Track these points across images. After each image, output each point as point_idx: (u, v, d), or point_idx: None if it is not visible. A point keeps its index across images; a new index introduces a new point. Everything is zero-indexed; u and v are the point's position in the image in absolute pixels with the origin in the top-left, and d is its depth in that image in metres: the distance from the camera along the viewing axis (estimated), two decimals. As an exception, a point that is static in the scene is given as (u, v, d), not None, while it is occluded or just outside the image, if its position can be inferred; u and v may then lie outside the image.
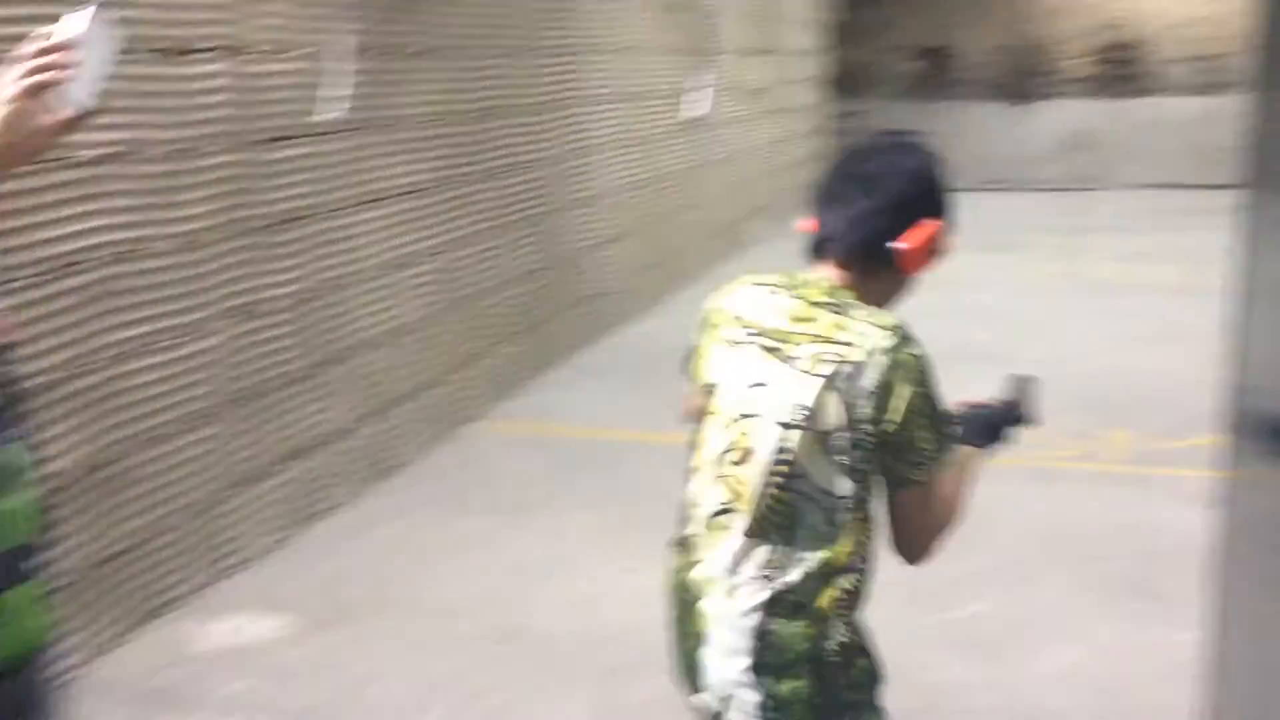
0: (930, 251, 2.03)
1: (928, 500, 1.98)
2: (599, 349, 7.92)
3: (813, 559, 1.94)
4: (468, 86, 6.17)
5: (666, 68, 9.28)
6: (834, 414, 1.90)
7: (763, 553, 1.96)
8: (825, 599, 1.95)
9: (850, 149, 2.14)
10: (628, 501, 5.26)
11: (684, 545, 2.11)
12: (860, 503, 1.96)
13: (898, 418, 1.90)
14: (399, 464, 5.63)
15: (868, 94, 18.89)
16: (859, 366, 1.89)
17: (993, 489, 3.04)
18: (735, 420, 2.00)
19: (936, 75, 18.92)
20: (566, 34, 7.40)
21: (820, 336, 1.94)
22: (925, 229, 2.01)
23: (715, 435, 2.03)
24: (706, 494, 2.04)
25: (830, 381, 1.90)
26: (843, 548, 1.96)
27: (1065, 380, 6.79)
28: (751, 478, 1.96)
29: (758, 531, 1.96)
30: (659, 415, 6.55)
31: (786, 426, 1.93)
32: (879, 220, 2.00)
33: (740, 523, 1.98)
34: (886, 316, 1.97)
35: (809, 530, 1.95)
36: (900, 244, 1.99)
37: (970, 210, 12.04)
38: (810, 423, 1.91)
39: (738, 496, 1.98)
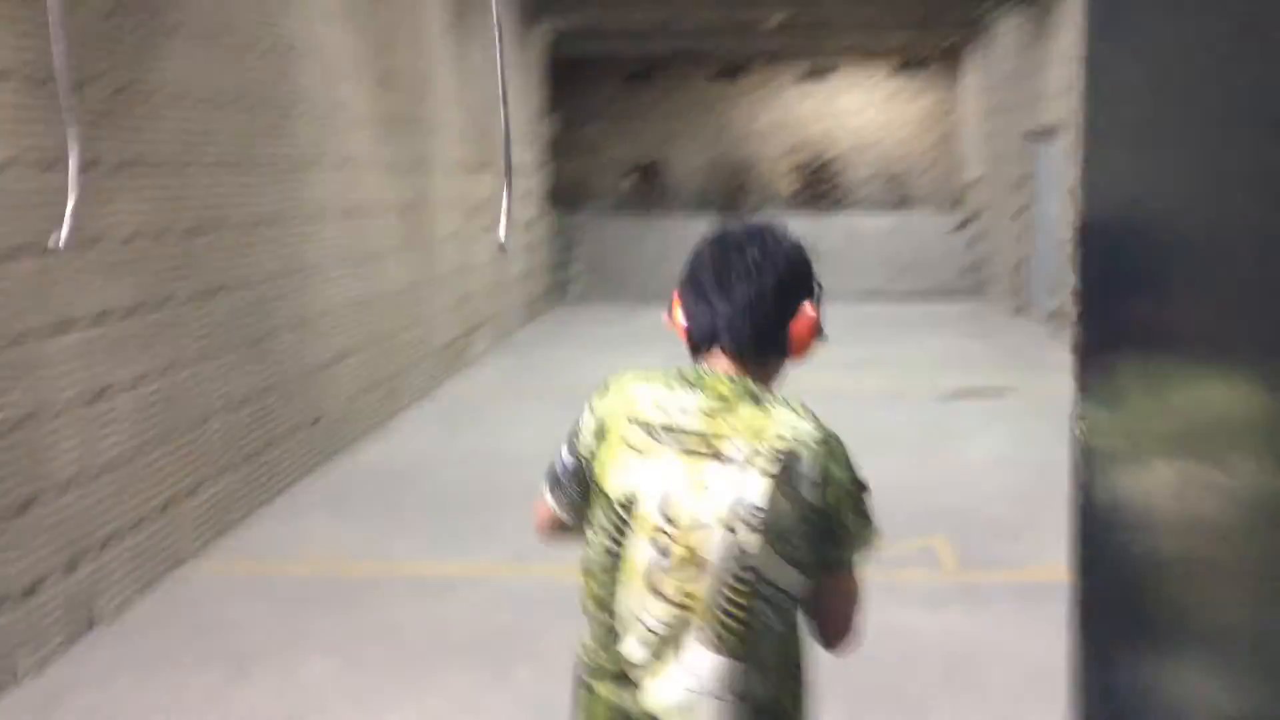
0: (815, 333, 2.01)
1: (851, 582, 1.98)
2: (323, 477, 7.48)
3: (778, 663, 1.92)
4: (175, 201, 5.75)
5: (386, 182, 9.07)
6: (786, 510, 1.87)
7: (729, 665, 1.89)
8: (789, 700, 1.94)
9: (717, 240, 2.06)
10: (373, 641, 4.88)
11: (618, 673, 1.96)
12: (804, 596, 1.94)
13: (834, 503, 1.90)
14: (99, 619, 5.03)
15: (584, 207, 19.24)
16: (796, 456, 1.87)
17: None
18: (667, 528, 1.90)
19: (649, 189, 19.51)
20: (282, 147, 7.08)
21: (749, 430, 1.89)
22: (808, 312, 2.00)
23: (640, 548, 1.92)
24: (643, 613, 1.92)
25: (772, 474, 1.86)
26: (795, 645, 1.95)
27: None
28: (704, 586, 1.88)
29: (720, 643, 1.89)
30: (394, 545, 6.22)
31: (738, 530, 1.86)
32: (768, 307, 1.96)
33: (697, 637, 1.89)
34: (797, 403, 1.94)
35: (771, 634, 1.90)
36: (791, 329, 1.97)
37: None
38: (765, 523, 1.86)
39: (689, 610, 1.89)
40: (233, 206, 6.42)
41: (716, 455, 1.89)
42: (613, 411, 2.00)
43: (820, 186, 19.35)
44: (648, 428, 1.94)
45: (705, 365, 2.00)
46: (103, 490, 5.10)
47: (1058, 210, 12.76)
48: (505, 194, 3.68)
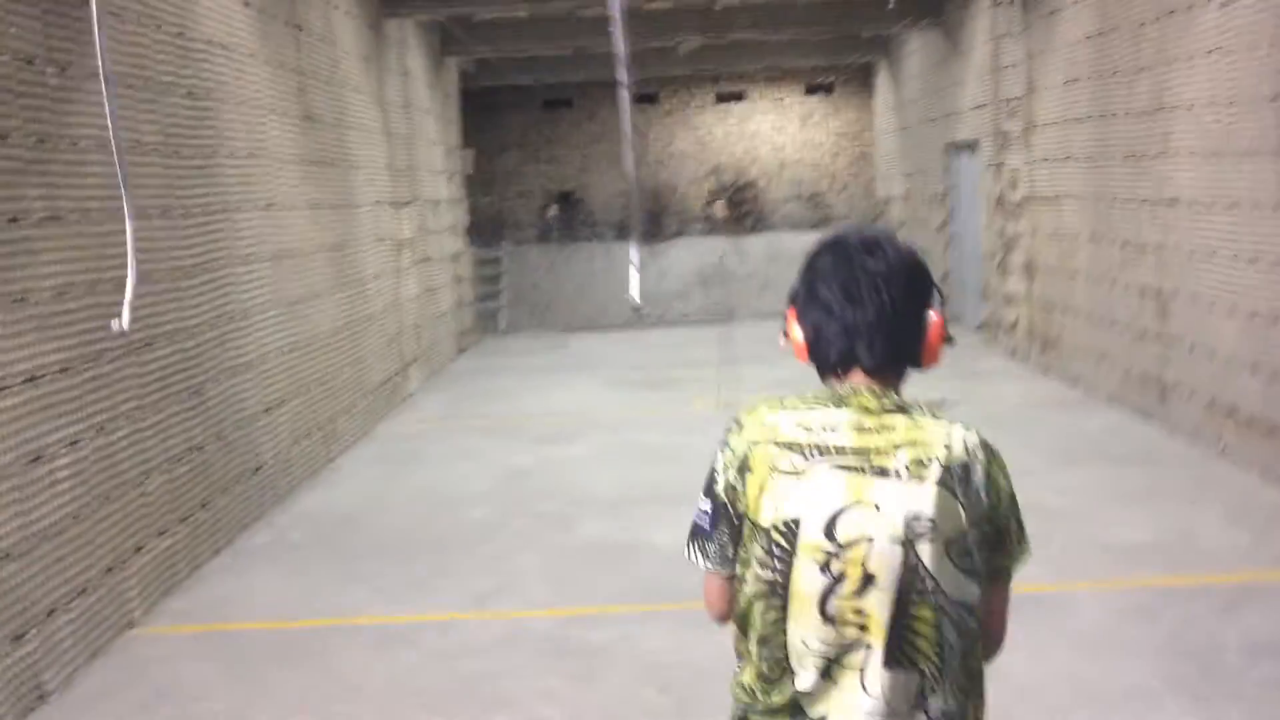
0: (945, 340, 1.98)
1: (1009, 592, 1.98)
2: (267, 527, 7.27)
3: (959, 676, 1.88)
4: (103, 253, 5.56)
5: (313, 223, 8.89)
6: (956, 517, 1.84)
7: (913, 682, 1.85)
8: (974, 712, 1.92)
9: (837, 251, 1.97)
10: (335, 699, 4.72)
11: (793, 706, 1.90)
12: (979, 606, 1.89)
13: (1004, 511, 1.90)
14: (44, 694, 4.81)
15: (507, 238, 19.13)
16: (966, 466, 1.86)
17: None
18: (835, 550, 1.85)
19: (569, 219, 19.46)
20: (207, 192, 6.90)
21: (907, 442, 1.86)
22: (936, 321, 1.97)
23: (806, 574, 1.86)
24: (812, 640, 1.86)
25: (944, 485, 1.83)
26: (974, 656, 1.90)
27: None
28: (879, 605, 1.83)
29: (900, 661, 1.84)
30: (346, 594, 6.05)
31: (909, 542, 1.82)
32: (901, 318, 1.93)
33: (875, 657, 1.84)
34: (941, 411, 1.93)
35: (950, 648, 1.85)
36: (924, 340, 1.96)
37: (617, 348, 12.36)
38: (936, 532, 1.83)
39: (864, 630, 1.84)
40: (161, 255, 6.23)
41: (880, 471, 1.85)
42: (753, 442, 1.92)
43: (740, 207, 19.45)
44: (797, 449, 1.88)
45: (840, 382, 1.95)
46: (45, 558, 4.88)
47: (983, 221, 12.95)
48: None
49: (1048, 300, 11.01)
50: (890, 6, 13.27)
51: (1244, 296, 7.25)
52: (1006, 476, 1.92)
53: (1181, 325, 8.17)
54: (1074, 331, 10.34)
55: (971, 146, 13.56)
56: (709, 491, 1.98)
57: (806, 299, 1.97)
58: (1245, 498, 6.77)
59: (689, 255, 18.09)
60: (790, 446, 1.88)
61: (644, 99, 19.30)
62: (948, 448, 1.86)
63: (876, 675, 1.85)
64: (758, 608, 1.91)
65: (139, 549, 5.74)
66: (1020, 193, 11.59)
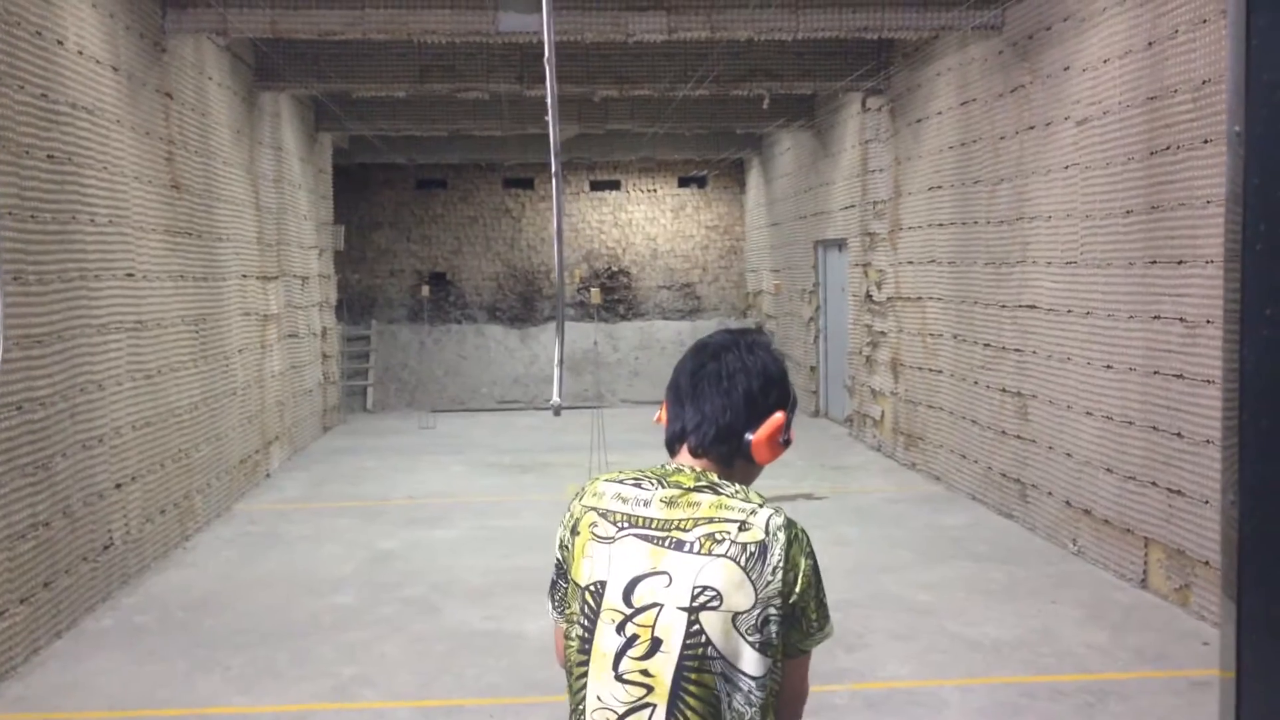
0: (779, 442, 2.12)
1: (806, 668, 2.06)
2: (114, 609, 6.90)
3: None
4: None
5: (176, 293, 8.62)
6: (741, 592, 1.95)
7: None
8: None
9: (699, 348, 2.19)
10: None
11: None
12: (772, 681, 1.98)
13: (801, 590, 1.98)
14: None
15: (377, 316, 18.88)
16: (762, 545, 1.97)
17: None
18: (630, 614, 1.99)
19: (441, 300, 19.32)
20: (64, 258, 6.64)
21: (706, 518, 1.99)
22: (774, 421, 2.10)
23: (605, 634, 2.01)
24: (606, 697, 1.99)
25: (734, 560, 1.95)
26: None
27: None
28: (663, 668, 1.95)
29: None
30: (199, 683, 5.74)
31: (694, 610, 1.95)
32: (733, 415, 2.08)
33: (658, 716, 1.95)
34: (755, 493, 2.05)
35: (732, 714, 1.95)
36: (753, 436, 2.09)
37: (487, 431, 12.19)
38: (718, 603, 1.95)
39: (649, 690, 1.96)
40: (13, 321, 5.95)
41: (677, 544, 1.99)
42: (585, 508, 2.11)
43: (613, 295, 19.58)
44: (611, 518, 2.06)
45: (673, 463, 2.14)
46: None
47: (851, 317, 13.26)
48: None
49: (913, 397, 11.28)
50: (764, 106, 13.64)
51: (1099, 400, 7.53)
52: (810, 559, 2.01)
53: (1040, 426, 8.43)
54: (938, 429, 10.60)
55: (840, 244, 13.93)
56: (557, 548, 2.19)
57: (669, 388, 2.20)
58: (1101, 596, 6.95)
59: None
60: (606, 515, 2.07)
61: (520, 184, 19.39)
62: (746, 525, 1.98)
63: None
64: (572, 661, 2.08)
65: (-28, 633, 5.38)
66: (886, 292, 11.91)
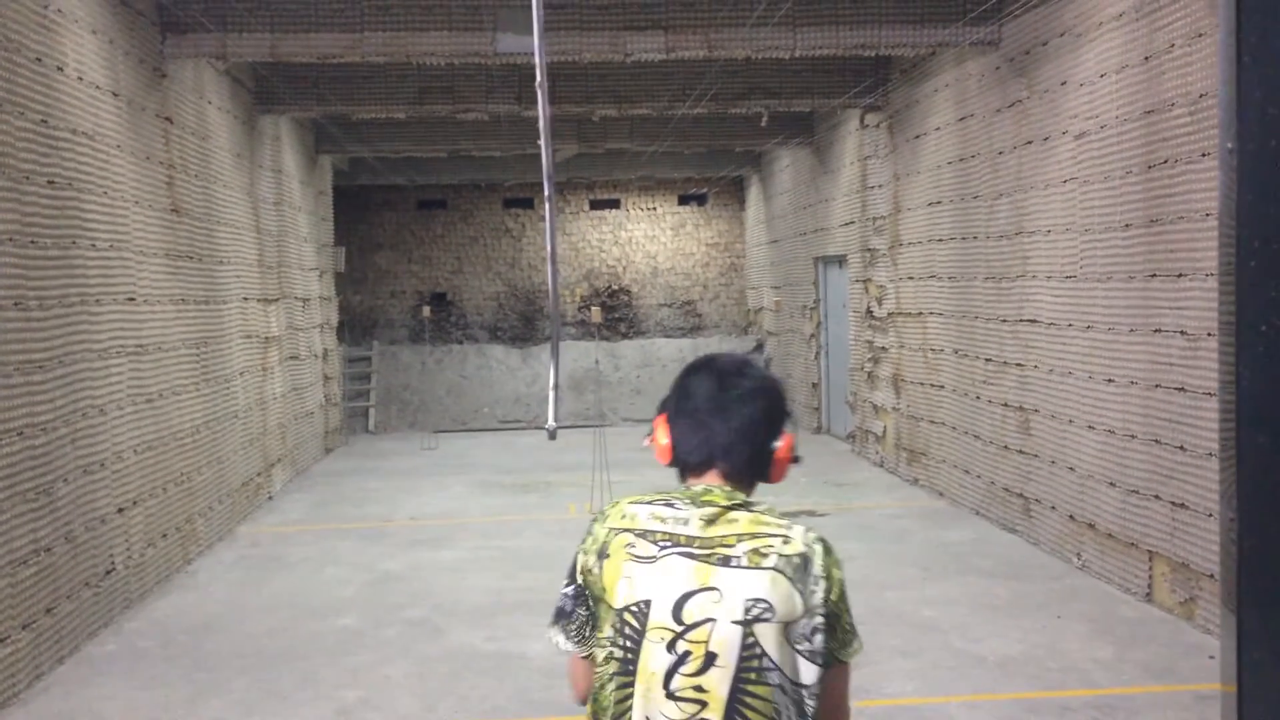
0: (793, 457, 2.20)
1: (848, 677, 2.13)
2: (117, 634, 6.89)
3: None
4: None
5: (177, 317, 8.63)
6: (791, 603, 2.01)
7: None
8: None
9: (709, 371, 2.22)
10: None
11: None
12: (822, 690, 2.03)
13: (837, 600, 2.06)
14: None
15: (378, 337, 18.90)
16: (804, 556, 2.04)
17: None
18: (680, 630, 2.00)
19: (442, 320, 19.34)
20: (65, 284, 6.65)
21: (748, 534, 2.04)
22: (788, 438, 2.19)
23: (653, 652, 2.02)
24: (656, 716, 2.01)
25: (781, 572, 2.01)
26: None
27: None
28: (719, 683, 1.98)
29: None
30: (202, 708, 5.71)
31: (748, 623, 1.99)
32: (760, 435, 2.16)
33: None
34: (779, 512, 2.12)
35: None
36: (777, 454, 2.17)
37: (489, 451, 12.15)
38: (770, 614, 2.00)
39: (703, 706, 1.98)
40: (14, 346, 5.96)
41: (723, 560, 2.03)
42: (614, 529, 2.12)
43: (614, 313, 19.59)
44: (650, 537, 2.07)
45: (696, 484, 2.17)
46: None
47: (852, 333, 13.26)
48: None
49: (914, 412, 11.27)
50: (763, 124, 13.67)
51: (1101, 414, 7.52)
52: (841, 570, 2.10)
53: (1043, 441, 8.42)
54: (940, 444, 10.59)
55: (840, 261, 13.94)
56: (571, 575, 2.16)
57: (676, 410, 2.21)
58: (1107, 611, 6.93)
59: (562, 359, 18.07)
60: (645, 535, 2.08)
61: (520, 203, 19.42)
62: (786, 540, 2.05)
63: None
64: (609, 687, 2.07)
65: (-26, 660, 5.37)
66: (887, 307, 11.91)
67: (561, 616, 2.16)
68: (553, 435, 3.93)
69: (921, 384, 11.01)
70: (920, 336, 10.99)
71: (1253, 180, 1.24)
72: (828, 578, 2.05)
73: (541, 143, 3.76)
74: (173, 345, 8.52)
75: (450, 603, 7.47)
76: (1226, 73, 1.23)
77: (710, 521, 2.07)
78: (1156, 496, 6.90)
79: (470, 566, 8.48)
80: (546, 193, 3.84)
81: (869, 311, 12.47)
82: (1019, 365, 8.77)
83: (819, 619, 2.03)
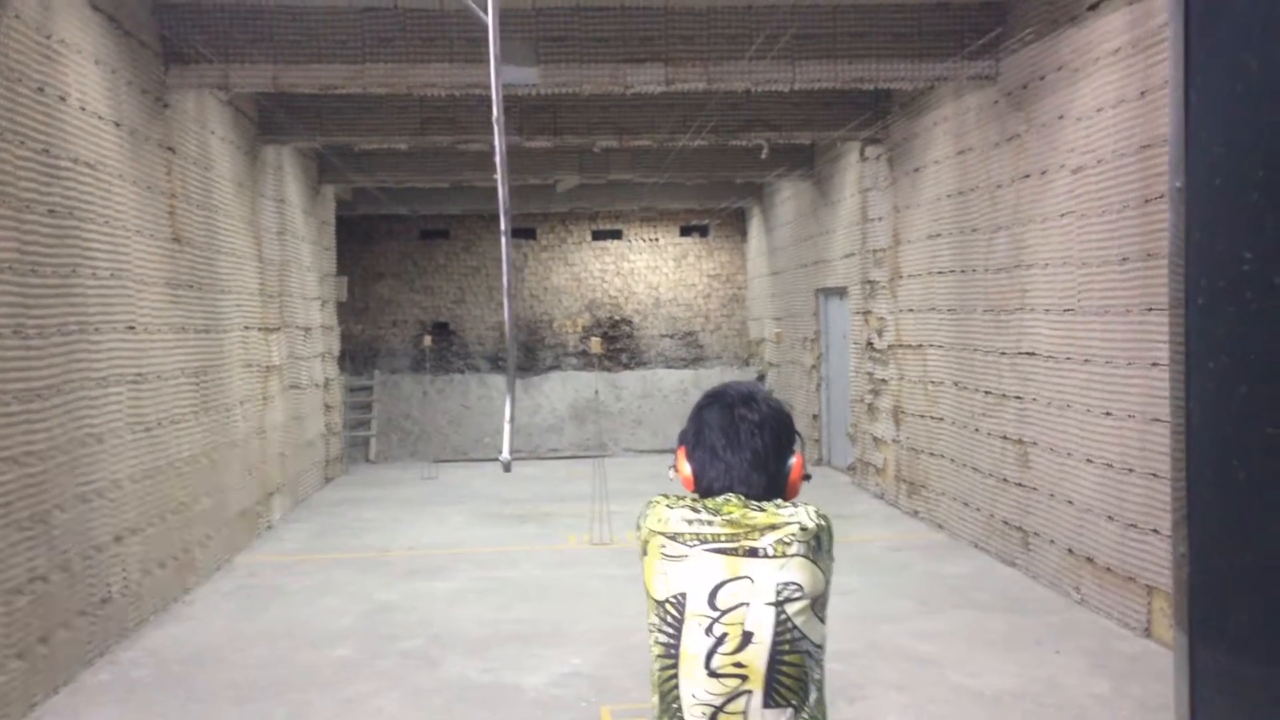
0: (803, 477, 2.42)
1: None
2: (112, 664, 6.87)
3: (818, 702, 2.29)
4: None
5: (177, 345, 8.66)
6: (816, 580, 2.27)
7: (785, 716, 2.23)
8: None
9: (719, 404, 2.41)
10: None
11: None
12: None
13: (832, 564, 2.37)
14: None
15: (379, 366, 18.92)
16: (816, 535, 2.29)
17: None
18: (717, 615, 2.24)
19: (444, 349, 19.37)
20: (65, 312, 6.68)
21: (768, 526, 2.27)
22: (797, 461, 2.41)
23: (693, 637, 2.25)
24: (700, 693, 2.25)
25: (806, 557, 2.26)
26: (824, 686, 2.32)
27: (624, 653, 6.73)
28: (757, 657, 2.23)
29: (776, 701, 2.23)
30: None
31: (779, 604, 2.23)
32: (771, 461, 2.37)
33: (755, 701, 2.23)
34: (783, 503, 2.34)
35: (814, 682, 2.28)
36: (790, 476, 2.39)
37: (489, 481, 12.11)
38: (800, 594, 2.25)
39: (744, 679, 2.23)
40: (12, 375, 5.98)
41: (750, 551, 2.26)
42: (651, 530, 2.35)
43: (615, 343, 19.61)
44: (681, 539, 2.29)
45: (718, 497, 2.37)
46: None
47: (852, 365, 13.26)
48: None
49: (914, 444, 11.26)
50: (763, 156, 13.73)
51: (1099, 448, 7.51)
52: (832, 530, 2.38)
53: (1041, 474, 8.41)
54: (940, 476, 10.57)
55: (841, 292, 13.96)
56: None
57: (695, 442, 2.41)
58: (1105, 645, 6.90)
59: (563, 389, 18.10)
60: (675, 537, 2.30)
61: (523, 234, 19.48)
62: (804, 527, 2.28)
63: (758, 715, 2.24)
64: (656, 668, 2.31)
65: (-34, 688, 5.36)
66: (887, 339, 11.93)
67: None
68: (507, 468, 3.97)
69: (921, 416, 11.00)
70: (920, 369, 11.00)
71: (1200, 219, 1.25)
72: (831, 550, 2.34)
73: (498, 177, 3.78)
74: (172, 374, 8.54)
75: (446, 633, 7.45)
76: (1175, 113, 1.25)
77: (732, 521, 2.28)
78: (1155, 530, 6.88)
79: (467, 597, 8.46)
80: (503, 226, 3.88)
81: (869, 344, 12.48)
82: (1018, 398, 8.77)
83: (828, 585, 2.32)
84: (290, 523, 11.78)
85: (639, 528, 2.41)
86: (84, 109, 7.08)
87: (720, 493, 2.36)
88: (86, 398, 6.93)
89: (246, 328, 10.70)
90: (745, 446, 2.36)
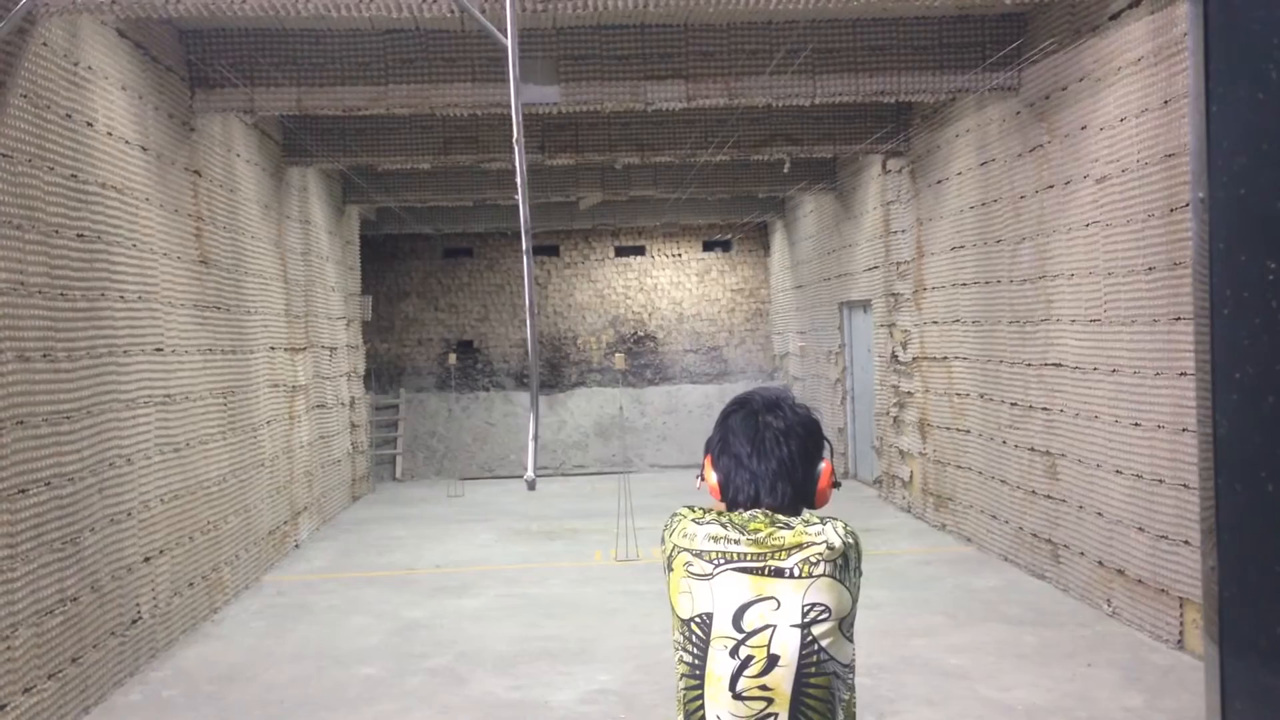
0: (832, 484, 2.36)
1: None
2: (142, 683, 6.91)
3: None
4: (-19, 395, 5.36)
5: (205, 366, 8.72)
6: (842, 600, 2.20)
7: None
8: None
9: (744, 413, 2.36)
10: None
11: None
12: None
13: (860, 580, 2.29)
14: None
15: (405, 385, 18.99)
16: (844, 554, 2.22)
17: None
18: (741, 638, 2.18)
19: (469, 367, 19.43)
20: (93, 335, 6.74)
21: (794, 546, 2.20)
22: (826, 469, 2.35)
23: (718, 659, 2.19)
24: (725, 715, 2.19)
25: (833, 577, 2.19)
26: (854, 704, 2.27)
27: (652, 669, 6.71)
28: (783, 680, 2.17)
29: None
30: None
31: (806, 625, 2.17)
32: (798, 469, 2.31)
33: None
34: (812, 515, 2.29)
35: (841, 701, 2.21)
36: (818, 485, 2.33)
37: (515, 498, 12.14)
38: (827, 615, 2.18)
39: (770, 702, 2.17)
40: (42, 398, 6.03)
41: (776, 571, 2.20)
42: (675, 547, 2.29)
43: (639, 360, 19.62)
44: (706, 556, 2.23)
45: (745, 513, 2.30)
46: (-107, 719, 4.56)
47: (877, 378, 13.22)
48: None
49: (941, 457, 11.21)
50: (785, 170, 13.73)
51: (1128, 459, 7.46)
52: (861, 548, 2.30)
53: (1070, 485, 8.35)
54: (967, 489, 10.51)
55: (865, 305, 13.93)
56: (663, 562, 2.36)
57: (720, 450, 2.35)
58: (1137, 658, 6.84)
59: (588, 406, 18.12)
60: (701, 554, 2.23)
61: (546, 250, 19.53)
62: (831, 545, 2.20)
63: None
64: (681, 686, 2.26)
65: (2, 707, 5.40)
66: (912, 352, 11.89)
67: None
68: (531, 486, 3.95)
69: (947, 429, 10.95)
70: (945, 381, 10.95)
71: (1224, 228, 1.24)
72: (859, 567, 2.27)
73: (519, 196, 3.79)
74: (200, 395, 8.60)
75: (474, 651, 7.45)
76: (1196, 122, 1.25)
77: (758, 540, 2.22)
78: (1186, 542, 6.82)
79: (494, 614, 8.46)
80: (525, 245, 3.88)
81: (894, 356, 12.44)
82: (1045, 409, 8.71)
83: (856, 603, 2.25)
84: (318, 541, 11.83)
85: (664, 541, 2.36)
86: (111, 134, 7.15)
87: (746, 501, 2.31)
88: (115, 420, 6.99)
89: (273, 348, 10.77)
90: (771, 455, 2.30)
